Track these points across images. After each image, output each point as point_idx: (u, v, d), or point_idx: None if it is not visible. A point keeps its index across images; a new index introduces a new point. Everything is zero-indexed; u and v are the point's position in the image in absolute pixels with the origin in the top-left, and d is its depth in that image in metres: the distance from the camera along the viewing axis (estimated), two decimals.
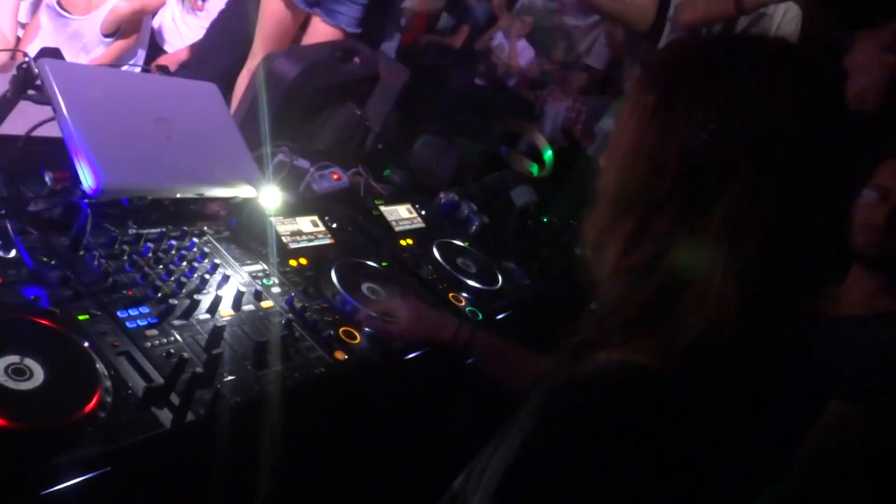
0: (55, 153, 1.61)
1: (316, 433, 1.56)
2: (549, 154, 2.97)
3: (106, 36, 3.71)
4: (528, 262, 2.50)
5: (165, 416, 1.24)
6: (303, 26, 3.63)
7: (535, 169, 2.93)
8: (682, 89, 0.91)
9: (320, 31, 3.54)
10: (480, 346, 1.66)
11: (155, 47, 4.09)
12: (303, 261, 1.89)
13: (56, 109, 1.52)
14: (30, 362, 1.18)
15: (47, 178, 1.65)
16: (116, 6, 3.66)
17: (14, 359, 1.17)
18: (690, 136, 0.87)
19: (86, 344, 1.28)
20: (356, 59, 2.64)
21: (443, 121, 3.51)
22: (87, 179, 1.50)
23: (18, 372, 1.16)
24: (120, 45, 3.79)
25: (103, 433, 1.16)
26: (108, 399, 1.21)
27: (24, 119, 1.64)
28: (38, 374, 1.17)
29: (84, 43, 3.70)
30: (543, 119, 4.22)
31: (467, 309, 2.05)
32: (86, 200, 1.53)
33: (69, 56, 3.08)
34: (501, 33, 4.93)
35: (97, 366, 1.24)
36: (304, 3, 3.47)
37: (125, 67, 3.70)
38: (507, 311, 2.17)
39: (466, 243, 2.40)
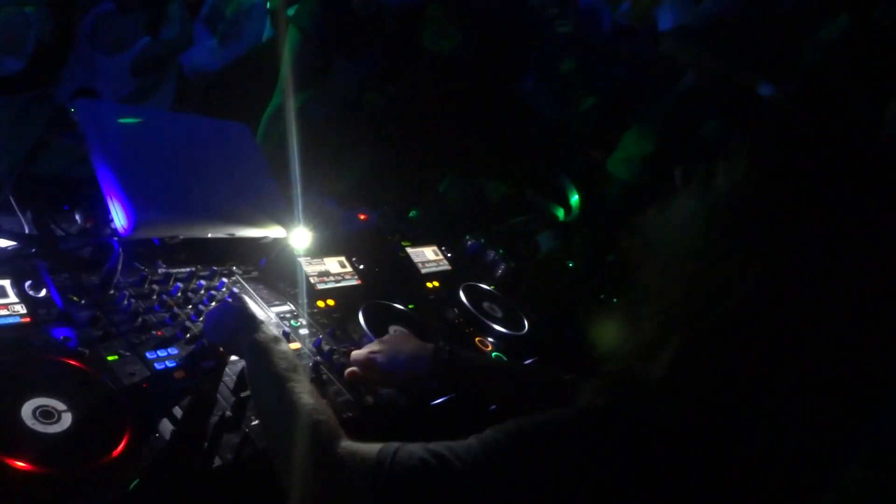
0: (86, 191, 1.61)
1: None
2: (575, 199, 2.95)
3: (135, 74, 3.76)
4: (553, 307, 2.47)
5: (193, 460, 1.22)
6: (326, 64, 3.66)
7: (561, 213, 2.92)
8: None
9: (343, 69, 3.57)
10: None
11: (184, 82, 4.14)
12: (330, 302, 1.88)
13: (90, 149, 1.52)
14: (58, 404, 1.16)
15: (77, 217, 1.65)
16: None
17: (43, 401, 1.15)
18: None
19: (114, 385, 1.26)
20: (383, 96, 2.66)
21: (469, 162, 3.51)
22: (119, 219, 1.49)
23: (47, 414, 1.14)
24: (149, 83, 3.83)
25: (131, 477, 1.14)
26: (136, 442, 1.19)
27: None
28: (66, 417, 1.16)
29: (114, 81, 3.74)
30: None
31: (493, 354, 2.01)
32: (117, 239, 1.52)
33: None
34: None
35: (125, 408, 1.23)
36: (328, 42, 3.50)
37: (155, 105, 3.75)
38: (534, 357, 2.13)
39: (492, 287, 2.37)
